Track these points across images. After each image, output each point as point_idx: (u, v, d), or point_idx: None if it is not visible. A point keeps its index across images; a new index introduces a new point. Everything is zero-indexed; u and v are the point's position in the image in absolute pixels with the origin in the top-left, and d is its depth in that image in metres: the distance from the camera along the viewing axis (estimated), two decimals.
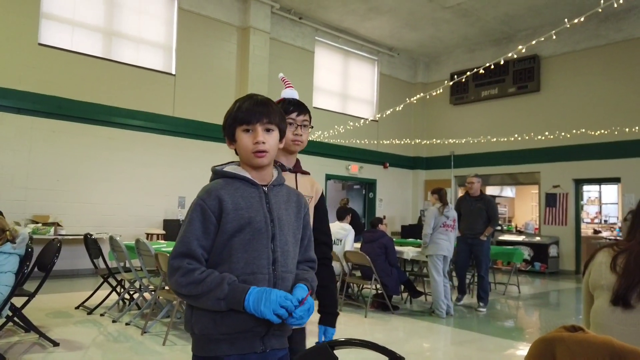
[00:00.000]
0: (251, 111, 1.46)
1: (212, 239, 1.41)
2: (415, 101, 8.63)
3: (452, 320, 5.67)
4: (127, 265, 5.29)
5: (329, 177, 11.81)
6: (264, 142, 1.44)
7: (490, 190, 14.23)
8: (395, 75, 13.55)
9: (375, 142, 12.54)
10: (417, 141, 12.80)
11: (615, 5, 6.09)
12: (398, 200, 13.54)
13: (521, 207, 15.54)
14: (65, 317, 5.10)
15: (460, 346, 4.72)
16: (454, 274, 7.07)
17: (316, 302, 1.42)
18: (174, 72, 9.45)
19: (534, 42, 6.61)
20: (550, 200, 11.28)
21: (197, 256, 1.39)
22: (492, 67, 7.43)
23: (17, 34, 7.71)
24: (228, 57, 10.16)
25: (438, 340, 5.05)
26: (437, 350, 4.66)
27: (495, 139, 10.92)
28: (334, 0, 10.48)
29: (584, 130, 10.03)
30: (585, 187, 12.30)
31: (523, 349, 4.53)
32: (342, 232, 6.55)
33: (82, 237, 6.15)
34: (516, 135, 10.91)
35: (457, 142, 11.47)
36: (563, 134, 10.20)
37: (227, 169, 1.51)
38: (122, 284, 5.75)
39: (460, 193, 6.95)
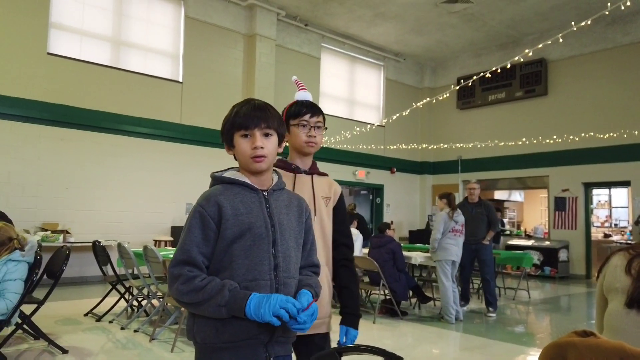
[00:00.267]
0: (249, 116, 1.44)
1: (212, 245, 1.39)
2: (421, 106, 8.61)
3: (461, 326, 5.62)
4: (135, 272, 5.30)
5: None
6: (262, 147, 1.43)
7: (498, 195, 14.17)
8: (401, 80, 13.55)
9: (382, 147, 12.52)
10: (424, 146, 12.78)
11: (622, 8, 6.06)
12: (405, 205, 13.50)
13: (530, 211, 15.43)
14: (74, 324, 5.12)
15: (470, 352, 4.68)
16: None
17: (315, 307, 1.38)
18: (181, 80, 9.51)
19: (540, 46, 6.59)
20: (559, 204, 11.19)
21: (197, 263, 1.37)
22: (499, 70, 7.41)
23: (26, 44, 7.80)
24: (234, 64, 10.21)
25: (447, 346, 5.01)
26: (446, 356, 4.61)
27: (503, 143, 10.87)
28: (340, 6, 10.52)
29: (592, 133, 9.96)
30: (595, 191, 12.19)
31: (534, 355, 4.47)
32: None
33: (90, 244, 6.18)
34: (524, 139, 10.85)
35: (464, 146, 11.42)
36: (572, 137, 10.13)
37: (227, 174, 1.50)
38: (131, 290, 5.76)
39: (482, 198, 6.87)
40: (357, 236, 6.63)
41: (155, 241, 8.56)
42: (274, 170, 1.56)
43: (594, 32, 10.65)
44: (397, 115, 9.34)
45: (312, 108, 1.93)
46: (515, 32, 11.60)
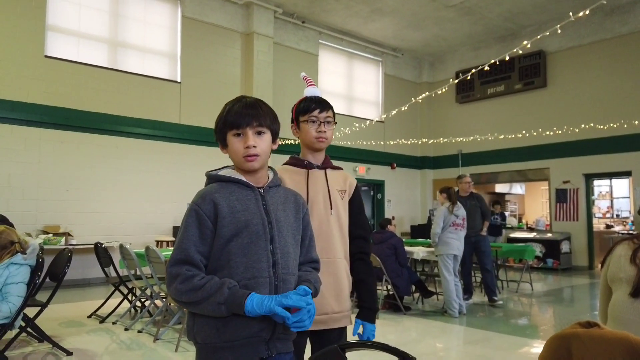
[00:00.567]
0: (240, 114, 1.43)
1: (210, 244, 1.38)
2: (420, 100, 8.59)
3: (464, 320, 5.62)
4: (138, 272, 5.30)
5: None
6: (254, 146, 1.42)
7: (499, 188, 14.16)
8: (400, 75, 13.52)
9: (382, 143, 12.51)
10: (424, 140, 12.76)
11: None
12: (407, 200, 13.49)
13: (531, 203, 15.43)
14: (77, 326, 5.12)
15: (474, 345, 4.68)
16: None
17: (312, 309, 1.37)
18: (179, 80, 9.50)
19: (539, 37, 6.55)
20: (560, 196, 11.18)
21: (195, 262, 1.36)
22: (498, 63, 7.38)
23: (23, 47, 7.79)
24: (232, 63, 10.20)
25: (451, 340, 5.01)
26: (450, 350, 4.62)
27: (503, 136, 10.85)
28: (336, 3, 10.49)
29: (592, 124, 9.93)
30: (596, 182, 12.18)
31: (538, 347, 4.48)
32: None
33: (92, 246, 6.18)
34: (524, 132, 10.83)
35: (464, 140, 11.40)
36: (572, 128, 10.11)
37: (222, 172, 1.49)
38: (134, 291, 5.77)
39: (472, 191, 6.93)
40: None
41: (157, 241, 8.56)
42: (269, 167, 1.55)
43: (592, 22, 10.61)
44: (397, 110, 9.32)
45: (321, 103, 1.92)
46: (513, 24, 11.56)
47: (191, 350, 4.19)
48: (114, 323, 5.22)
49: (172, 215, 9.13)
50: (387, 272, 5.79)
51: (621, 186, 13.34)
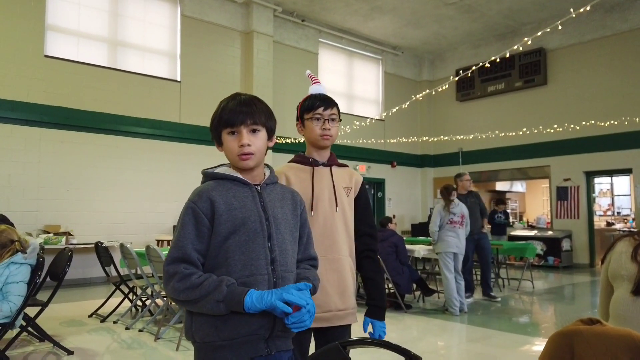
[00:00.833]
0: (234, 112, 1.42)
1: (207, 242, 1.37)
2: (421, 98, 8.57)
3: (466, 318, 5.62)
4: (139, 272, 5.30)
5: None
6: (249, 145, 1.41)
7: (499, 186, 14.14)
8: (400, 73, 13.51)
9: (383, 141, 12.50)
10: (424, 139, 12.75)
11: None
12: (407, 199, 13.49)
13: (532, 201, 15.42)
14: (78, 326, 5.12)
15: (475, 343, 4.68)
16: None
17: (312, 307, 1.36)
18: (179, 79, 9.49)
19: (539, 34, 6.54)
20: (561, 194, 11.17)
21: (192, 260, 1.35)
22: (498, 60, 7.36)
23: (23, 47, 7.78)
24: (232, 62, 10.19)
25: (452, 338, 5.01)
26: (451, 348, 4.61)
27: (503, 134, 10.84)
28: (336, 1, 10.48)
29: (593, 121, 9.92)
30: (597, 180, 12.17)
31: (539, 345, 4.47)
32: None
33: (93, 245, 6.18)
34: (524, 129, 10.82)
35: (464, 138, 11.39)
36: (572, 126, 10.10)
37: (218, 170, 1.48)
38: (134, 290, 5.77)
39: (472, 189, 6.97)
40: None
41: (158, 241, 8.56)
42: (265, 165, 1.54)
43: (593, 19, 10.59)
44: (397, 108, 9.31)
45: (326, 101, 1.92)
46: (513, 22, 11.54)
47: (192, 349, 4.19)
48: (114, 322, 5.22)
49: (173, 214, 9.12)
50: (388, 270, 5.79)
51: (622, 184, 13.33)
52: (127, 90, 8.81)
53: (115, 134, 8.61)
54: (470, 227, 6.17)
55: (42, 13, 7.97)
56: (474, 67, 7.80)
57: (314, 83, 2.01)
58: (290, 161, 1.99)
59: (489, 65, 7.44)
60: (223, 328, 1.33)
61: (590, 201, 11.08)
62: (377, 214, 12.72)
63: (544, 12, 10.89)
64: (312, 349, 1.81)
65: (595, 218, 11.63)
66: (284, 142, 9.77)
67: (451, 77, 9.26)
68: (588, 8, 6.06)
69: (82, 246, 7.68)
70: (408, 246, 6.56)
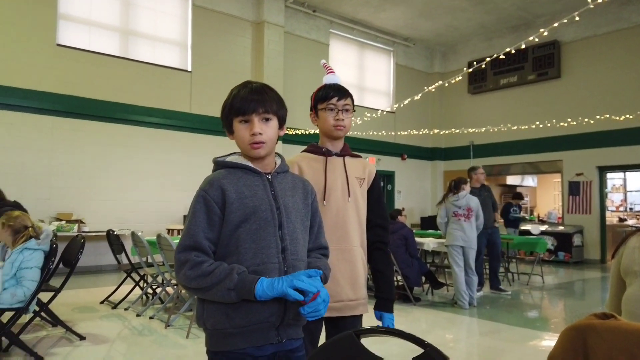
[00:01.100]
0: (246, 100, 1.40)
1: (218, 230, 1.37)
2: (433, 90, 8.50)
3: (475, 311, 5.61)
4: (150, 260, 5.35)
5: None
6: (260, 133, 1.40)
7: (510, 180, 14.04)
8: (411, 65, 13.41)
9: (393, 133, 12.44)
10: (435, 131, 12.66)
11: None
12: (417, 191, 13.44)
13: (543, 196, 15.29)
14: (90, 312, 5.19)
15: (484, 337, 4.67)
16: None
17: (325, 295, 1.37)
18: (189, 69, 9.50)
19: (556, 25, 6.44)
20: (573, 189, 11.07)
21: (204, 248, 1.35)
22: (513, 51, 7.25)
23: (35, 36, 7.83)
24: (243, 52, 10.17)
25: (461, 331, 5.00)
26: (460, 341, 4.61)
27: (515, 127, 10.72)
28: None
29: (607, 115, 9.78)
30: (609, 175, 12.02)
31: (548, 339, 4.45)
32: None
33: (104, 233, 6.25)
34: (537, 123, 10.70)
35: (476, 131, 11.30)
36: (586, 120, 9.97)
37: (229, 159, 1.48)
38: (145, 278, 5.83)
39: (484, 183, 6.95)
40: None
41: (168, 230, 8.62)
42: (276, 154, 1.53)
43: (609, 12, 10.41)
44: (409, 100, 9.24)
45: (339, 91, 1.91)
46: (527, 14, 11.38)
47: (202, 337, 4.23)
48: (125, 309, 5.28)
49: (183, 204, 9.18)
50: (397, 262, 5.78)
51: (635, 179, 13.15)
52: (138, 80, 8.84)
53: (126, 123, 8.65)
54: (485, 221, 6.17)
55: (54, 2, 8.00)
56: (487, 59, 7.71)
57: (329, 73, 2.00)
58: (304, 151, 1.99)
59: (503, 57, 7.35)
60: (234, 316, 1.34)
61: (603, 196, 10.96)
62: (387, 206, 12.69)
63: (558, 4, 10.72)
64: (322, 339, 1.82)
65: (607, 214, 11.51)
66: (294, 133, 9.76)
67: (464, 69, 9.16)
68: None
69: (94, 234, 7.76)
70: (418, 239, 6.55)
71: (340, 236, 1.85)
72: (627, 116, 9.70)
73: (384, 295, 1.92)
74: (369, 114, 10.36)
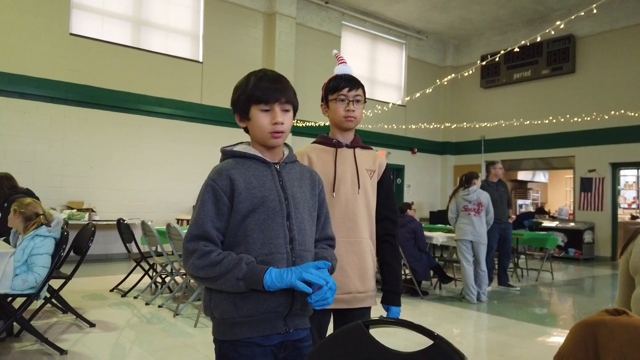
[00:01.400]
0: (270, 90, 1.40)
1: (226, 220, 1.37)
2: (445, 83, 8.43)
3: (483, 306, 5.59)
4: (159, 249, 5.39)
5: None
6: (282, 123, 1.40)
7: (521, 176, 13.92)
8: (423, 58, 13.29)
9: (404, 127, 12.37)
10: (446, 125, 12.57)
11: None
12: (426, 186, 13.38)
13: (554, 192, 15.16)
14: (100, 300, 5.25)
15: (492, 332, 4.65)
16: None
17: (333, 283, 1.37)
18: (201, 60, 9.50)
19: (573, 17, 6.33)
20: (585, 185, 10.94)
21: (212, 238, 1.35)
22: (528, 44, 7.15)
23: (49, 25, 7.87)
24: (254, 44, 10.15)
25: (468, 326, 4.99)
26: (467, 336, 4.60)
27: (528, 122, 10.61)
28: None
29: (622, 111, 9.63)
30: (622, 172, 11.88)
31: (556, 335, 4.43)
32: None
33: (115, 222, 6.30)
34: (550, 118, 10.58)
35: (488, 125, 11.20)
36: (601, 115, 9.82)
37: (237, 148, 1.47)
38: (154, 267, 5.88)
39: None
40: None
41: (178, 220, 8.68)
42: (284, 144, 1.52)
43: (626, 6, 10.23)
44: (420, 93, 9.18)
45: (350, 82, 1.89)
46: (542, 7, 11.22)
47: (210, 326, 4.25)
48: (135, 297, 5.33)
49: (193, 194, 9.22)
50: (405, 256, 5.77)
51: None
52: (150, 70, 8.86)
53: (137, 113, 8.70)
54: (498, 215, 6.13)
55: None
56: (502, 52, 7.61)
57: (340, 63, 1.98)
58: (314, 142, 1.97)
59: (517, 50, 7.24)
60: (242, 305, 1.34)
61: (615, 193, 10.83)
62: (396, 199, 12.65)
63: None
64: (330, 331, 1.82)
65: (620, 211, 11.38)
66: (304, 125, 9.74)
67: (477, 63, 9.06)
68: None
69: (104, 222, 7.83)
70: (426, 233, 6.53)
71: (349, 228, 1.84)
72: None
73: (391, 288, 1.91)
74: (379, 107, 10.30)
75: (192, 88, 9.36)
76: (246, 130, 1.48)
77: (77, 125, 8.14)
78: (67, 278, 4.07)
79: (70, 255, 4.25)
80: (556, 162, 11.78)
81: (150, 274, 5.88)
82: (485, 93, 12.89)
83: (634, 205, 13.13)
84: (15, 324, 3.59)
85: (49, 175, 7.86)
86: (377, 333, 1.08)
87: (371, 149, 2.02)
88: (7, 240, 4.17)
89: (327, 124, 2.00)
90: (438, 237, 6.60)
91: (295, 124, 1.54)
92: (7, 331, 3.65)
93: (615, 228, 10.64)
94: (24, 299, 3.51)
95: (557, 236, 8.15)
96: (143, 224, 5.59)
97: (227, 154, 1.47)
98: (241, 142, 1.51)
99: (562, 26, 6.28)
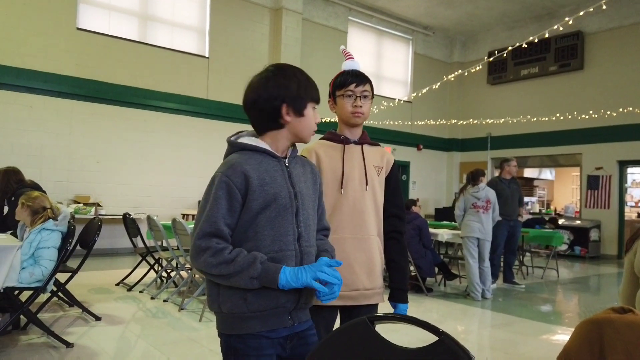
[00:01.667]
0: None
1: (237, 217, 1.36)
2: (452, 79, 8.39)
3: (487, 303, 5.57)
4: (165, 244, 5.41)
5: None
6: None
7: (528, 173, 13.86)
8: (430, 54, 13.23)
9: (409, 123, 12.33)
10: (453, 121, 12.51)
11: None
12: (432, 182, 13.34)
13: (560, 189, 15.08)
14: (106, 293, 5.28)
15: (496, 329, 4.64)
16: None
17: (338, 276, 1.39)
18: (207, 55, 9.50)
19: (582, 13, 6.27)
20: (592, 183, 10.88)
21: (224, 235, 1.34)
22: (536, 40, 7.09)
23: (56, 19, 7.90)
24: (261, 39, 10.14)
25: (472, 323, 4.98)
26: (471, 333, 4.59)
27: (535, 119, 10.54)
28: None
29: (631, 108, 9.55)
30: (630, 170, 11.79)
31: (561, 333, 4.41)
32: None
33: (121, 216, 6.33)
34: (558, 115, 10.51)
35: (494, 122, 11.14)
36: (608, 113, 9.74)
37: (244, 140, 1.46)
38: (160, 262, 5.90)
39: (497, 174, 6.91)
40: None
41: (183, 215, 8.71)
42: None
43: (636, 2, 10.13)
44: (427, 89, 9.13)
45: (358, 77, 1.88)
46: (550, 3, 11.12)
47: (214, 321, 4.27)
48: (140, 292, 5.36)
49: (198, 189, 9.24)
50: (410, 252, 5.76)
51: None
52: (156, 65, 8.88)
53: (144, 108, 8.72)
54: (508, 212, 6.09)
55: None
56: (509, 48, 7.56)
57: (348, 59, 1.97)
58: (322, 138, 1.96)
59: (525, 46, 7.18)
60: (252, 300, 1.34)
61: (622, 191, 10.76)
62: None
63: None
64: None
65: (627, 209, 11.31)
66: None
67: (484, 59, 9.01)
68: None
69: (111, 217, 7.87)
70: (432, 230, 6.51)
71: (357, 225, 1.83)
72: None
73: (398, 285, 1.91)
74: (385, 103, 10.27)
75: (198, 83, 9.36)
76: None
77: (84, 119, 8.17)
78: (74, 272, 4.10)
79: (76, 249, 4.27)
80: (563, 159, 11.71)
81: (156, 268, 5.90)
82: (492, 89, 12.82)
83: None
84: (22, 316, 3.61)
85: (56, 170, 7.90)
86: (382, 329, 1.07)
87: (379, 145, 2.01)
88: (14, 234, 4.20)
89: (335, 119, 2.00)
90: (443, 233, 6.59)
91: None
92: (14, 324, 3.68)
93: (621, 226, 10.58)
94: (31, 292, 3.54)
95: (563, 234, 8.11)
96: (149, 218, 5.61)
97: (235, 146, 1.46)
98: (242, 132, 1.50)
99: (570, 22, 6.23)
